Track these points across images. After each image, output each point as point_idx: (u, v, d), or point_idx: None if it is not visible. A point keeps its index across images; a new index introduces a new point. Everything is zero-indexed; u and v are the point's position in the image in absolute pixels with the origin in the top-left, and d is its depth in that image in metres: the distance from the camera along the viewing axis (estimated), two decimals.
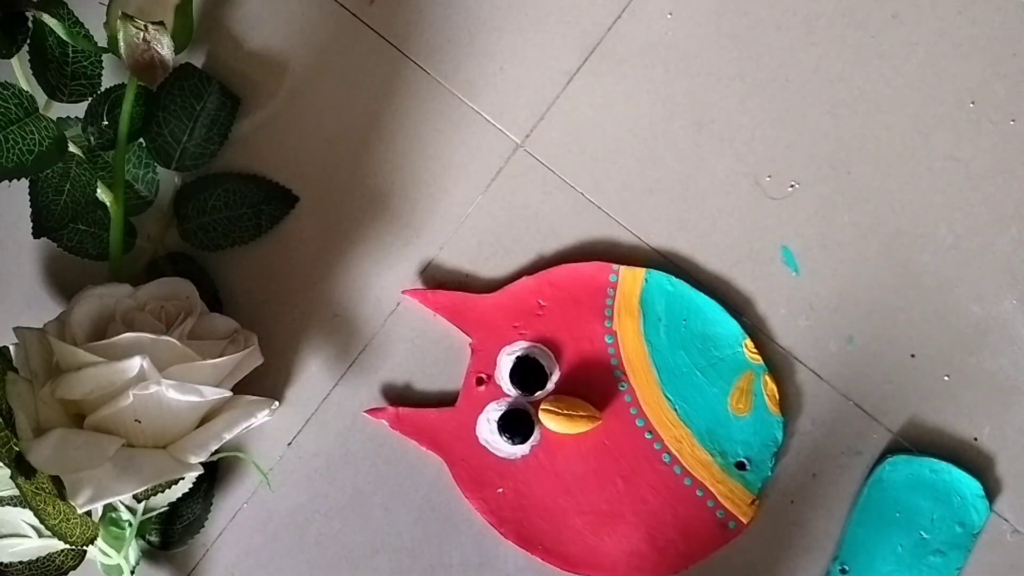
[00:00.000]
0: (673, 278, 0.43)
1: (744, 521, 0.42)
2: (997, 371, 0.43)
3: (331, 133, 0.45)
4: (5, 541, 0.39)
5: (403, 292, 0.44)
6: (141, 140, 0.43)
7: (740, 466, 0.42)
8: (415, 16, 0.46)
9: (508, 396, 0.43)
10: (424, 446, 0.43)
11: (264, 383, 0.43)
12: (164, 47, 0.41)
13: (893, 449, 0.42)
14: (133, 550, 0.41)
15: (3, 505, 0.38)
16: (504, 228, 0.44)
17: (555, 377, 0.43)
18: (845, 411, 0.43)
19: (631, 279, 0.43)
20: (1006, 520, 0.42)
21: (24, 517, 0.39)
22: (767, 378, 0.43)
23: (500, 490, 0.42)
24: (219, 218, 0.44)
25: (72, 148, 0.41)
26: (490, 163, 0.45)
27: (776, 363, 0.43)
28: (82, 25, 0.42)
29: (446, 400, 0.43)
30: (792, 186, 0.44)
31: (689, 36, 0.45)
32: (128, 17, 0.39)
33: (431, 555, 0.42)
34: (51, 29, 0.41)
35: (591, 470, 0.42)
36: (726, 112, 0.45)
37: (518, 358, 0.42)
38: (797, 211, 0.44)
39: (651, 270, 0.43)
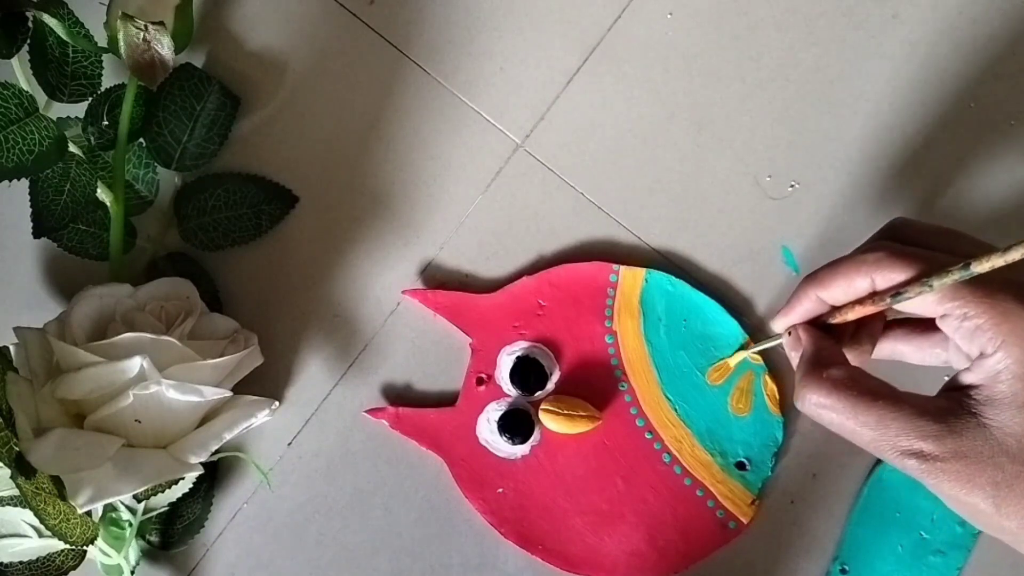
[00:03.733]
0: (673, 278, 0.43)
1: (744, 521, 0.42)
2: None
3: (331, 133, 0.45)
4: (5, 541, 0.39)
5: (403, 292, 0.44)
6: (141, 140, 0.43)
7: (740, 466, 0.42)
8: (415, 16, 0.46)
9: (508, 396, 0.43)
10: (424, 446, 0.43)
11: (264, 383, 0.43)
12: (164, 47, 0.41)
13: None
14: (133, 550, 0.41)
15: (3, 505, 0.38)
16: (504, 228, 0.44)
17: (555, 377, 0.43)
18: None
19: (631, 279, 0.43)
20: None
21: (24, 517, 0.39)
22: (767, 378, 0.43)
23: (500, 490, 0.42)
24: (219, 218, 0.44)
25: (72, 148, 0.41)
26: (490, 163, 0.45)
27: (776, 363, 0.43)
28: (82, 25, 0.42)
29: (446, 400, 0.43)
30: (792, 186, 0.44)
31: (689, 36, 0.45)
32: (128, 17, 0.39)
33: (431, 555, 0.42)
34: (51, 29, 0.41)
35: (591, 470, 0.42)
36: (726, 112, 0.45)
37: (518, 358, 0.42)
38: (797, 211, 0.44)
39: (651, 270, 0.43)
